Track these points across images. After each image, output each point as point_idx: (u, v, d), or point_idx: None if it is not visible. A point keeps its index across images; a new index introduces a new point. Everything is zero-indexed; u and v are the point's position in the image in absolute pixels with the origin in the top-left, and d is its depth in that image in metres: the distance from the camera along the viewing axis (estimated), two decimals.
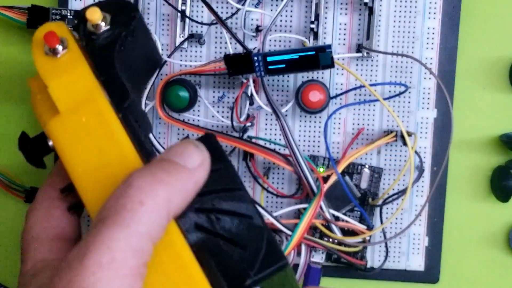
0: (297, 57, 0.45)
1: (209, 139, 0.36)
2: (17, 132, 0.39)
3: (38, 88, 0.37)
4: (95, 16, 0.37)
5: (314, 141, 0.51)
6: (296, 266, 0.51)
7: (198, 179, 0.34)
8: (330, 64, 0.45)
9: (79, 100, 0.35)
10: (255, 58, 0.45)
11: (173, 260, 0.32)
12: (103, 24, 0.38)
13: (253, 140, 0.50)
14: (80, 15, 0.38)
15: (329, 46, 0.45)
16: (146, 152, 0.36)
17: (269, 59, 0.45)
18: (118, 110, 0.36)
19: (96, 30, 0.38)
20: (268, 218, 0.46)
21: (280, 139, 0.50)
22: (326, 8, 0.50)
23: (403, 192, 0.49)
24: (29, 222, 0.38)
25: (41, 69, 0.37)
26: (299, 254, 0.49)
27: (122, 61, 0.37)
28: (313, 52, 0.45)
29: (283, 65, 0.45)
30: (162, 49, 0.50)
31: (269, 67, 0.45)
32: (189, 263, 0.33)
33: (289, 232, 0.46)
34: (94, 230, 0.30)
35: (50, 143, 0.36)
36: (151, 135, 0.47)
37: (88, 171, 0.34)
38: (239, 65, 0.46)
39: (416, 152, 0.49)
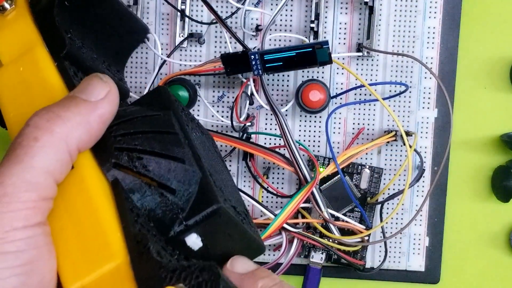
0: (294, 54, 0.45)
1: (158, 91, 0.36)
2: None
3: None
4: None
5: (314, 141, 0.51)
6: (296, 265, 0.51)
7: (102, 111, 0.33)
8: (327, 60, 0.45)
9: (20, 52, 0.36)
10: (252, 56, 0.45)
11: (81, 196, 0.32)
12: None
13: (253, 139, 0.50)
14: None
15: (326, 42, 0.44)
16: None
17: (266, 57, 0.45)
18: (55, 59, 0.36)
19: None
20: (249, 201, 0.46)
21: (279, 133, 0.50)
22: (326, 7, 0.50)
23: (403, 191, 0.49)
24: None
25: None
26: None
27: (69, 15, 0.38)
28: (310, 49, 0.45)
29: (281, 63, 0.45)
30: (162, 49, 0.50)
31: (267, 65, 0.45)
32: (98, 203, 0.32)
33: (271, 215, 0.46)
34: None
35: None
36: None
37: (19, 115, 0.34)
38: (236, 64, 0.45)
39: (416, 152, 0.49)
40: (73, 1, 0.38)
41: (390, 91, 0.50)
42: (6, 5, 0.38)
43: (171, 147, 0.33)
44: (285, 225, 0.47)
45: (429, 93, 0.50)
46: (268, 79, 0.50)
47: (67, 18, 0.37)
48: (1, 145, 0.53)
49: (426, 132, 0.51)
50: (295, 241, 0.49)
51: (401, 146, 0.51)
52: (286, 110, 0.50)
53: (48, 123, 0.31)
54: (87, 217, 0.32)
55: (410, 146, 0.47)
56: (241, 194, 0.47)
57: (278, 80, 0.51)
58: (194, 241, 0.31)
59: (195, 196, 0.32)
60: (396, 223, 0.51)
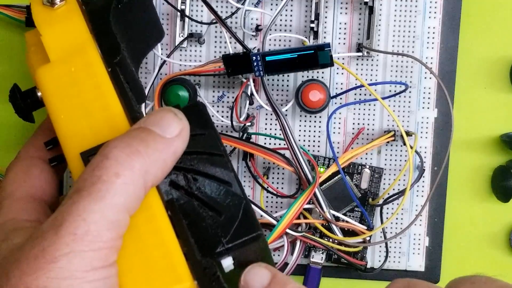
0: (296, 56, 0.45)
1: (197, 107, 0.36)
2: (17, 133, 0.39)
3: (33, 40, 0.37)
4: None
5: (314, 141, 0.51)
6: (296, 265, 0.51)
7: (176, 149, 0.33)
8: (329, 63, 0.45)
9: (70, 50, 0.36)
10: (254, 58, 0.45)
11: (147, 224, 0.32)
12: None
13: (253, 139, 0.50)
14: None
15: (328, 45, 0.45)
16: (133, 110, 0.35)
17: (268, 58, 0.45)
18: (108, 64, 0.36)
19: None
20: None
21: (280, 134, 0.50)
22: (326, 7, 0.50)
23: (403, 192, 0.49)
24: (6, 178, 0.37)
25: (37, 18, 0.37)
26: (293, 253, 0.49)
27: (119, 19, 0.37)
28: (312, 51, 0.45)
29: (282, 65, 0.45)
30: (161, 49, 0.50)
31: (268, 66, 0.45)
32: (163, 228, 0.32)
33: (274, 221, 0.46)
34: (70, 200, 0.30)
35: (39, 94, 0.36)
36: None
37: (71, 120, 0.34)
38: (238, 65, 0.46)
39: (416, 152, 0.49)
40: (125, 4, 0.38)
41: (390, 91, 0.50)
42: (57, 0, 0.37)
43: (221, 170, 0.34)
44: (289, 230, 0.47)
45: (429, 93, 0.50)
46: (268, 79, 0.50)
47: (115, 21, 0.37)
48: (2, 146, 0.53)
49: (426, 132, 0.51)
50: (298, 242, 0.49)
51: (401, 146, 0.51)
52: (286, 110, 0.50)
53: (129, 159, 0.31)
54: (154, 245, 0.32)
55: (411, 147, 0.47)
56: None
57: (278, 80, 0.50)
58: (228, 264, 0.33)
59: (238, 221, 0.33)
60: (396, 223, 0.51)
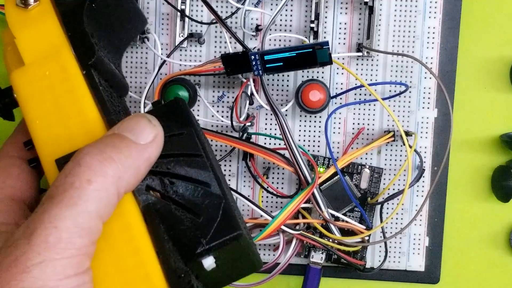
0: (295, 54, 0.45)
1: (177, 104, 0.36)
2: None
3: (10, 39, 0.37)
4: None
5: (314, 141, 0.51)
6: (296, 265, 0.51)
7: (149, 155, 0.33)
8: (328, 61, 0.45)
9: (44, 53, 0.35)
10: (253, 57, 0.45)
11: (122, 232, 0.32)
12: None
13: (253, 139, 0.50)
14: None
15: (326, 43, 0.44)
16: (108, 112, 0.35)
17: (266, 57, 0.45)
18: (83, 67, 0.35)
19: None
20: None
21: (279, 134, 0.50)
22: (326, 7, 0.50)
23: (403, 191, 0.49)
24: None
25: (10, 19, 0.36)
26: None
27: (95, 18, 0.37)
28: (310, 50, 0.45)
29: (281, 63, 0.45)
30: (161, 49, 0.50)
31: (267, 65, 0.45)
32: (138, 237, 0.32)
33: (268, 217, 0.46)
34: (41, 208, 0.30)
35: (15, 95, 0.35)
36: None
37: (46, 126, 0.34)
38: (237, 64, 0.46)
39: (416, 152, 0.49)
40: (99, 3, 0.37)
41: (390, 91, 0.50)
42: (30, 0, 0.36)
43: (199, 171, 0.34)
44: (285, 228, 0.47)
45: (429, 93, 0.50)
46: (268, 79, 0.50)
47: (90, 21, 0.37)
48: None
49: (426, 132, 0.51)
50: (294, 241, 0.49)
51: (401, 146, 0.51)
52: (286, 110, 0.50)
53: (101, 165, 0.31)
54: (128, 253, 0.32)
55: (410, 147, 0.47)
56: (240, 197, 0.47)
57: (278, 80, 0.51)
58: (210, 263, 0.33)
59: (218, 221, 0.33)
60: (396, 223, 0.51)
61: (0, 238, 0.32)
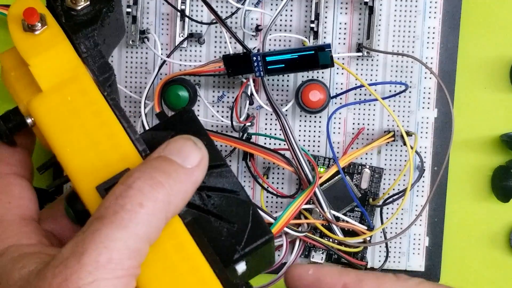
0: (297, 56, 0.45)
1: (187, 114, 0.36)
2: None
3: (12, 65, 0.36)
4: None
5: (314, 141, 0.51)
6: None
7: (197, 179, 0.33)
8: (329, 64, 0.45)
9: (62, 78, 0.35)
10: (254, 58, 0.45)
11: (178, 253, 0.32)
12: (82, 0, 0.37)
13: (253, 139, 0.50)
14: None
15: (328, 45, 0.45)
16: (134, 131, 0.35)
17: (268, 59, 0.45)
18: (103, 88, 0.35)
19: (74, 6, 0.37)
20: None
21: (280, 134, 0.50)
22: (326, 7, 0.50)
23: (403, 192, 0.49)
24: None
25: (20, 46, 0.35)
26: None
27: (102, 37, 0.37)
28: (312, 52, 0.45)
29: (283, 65, 0.45)
30: (162, 49, 0.50)
31: (269, 67, 0.45)
32: (193, 254, 0.32)
33: (271, 220, 0.46)
34: (92, 228, 0.30)
35: (29, 120, 0.35)
36: None
37: (77, 151, 0.34)
38: (238, 65, 0.46)
39: (416, 152, 0.49)
40: (107, 22, 0.37)
41: (390, 91, 0.50)
42: (38, 25, 0.35)
43: (228, 180, 0.35)
44: (288, 229, 0.47)
45: (429, 93, 0.50)
46: (268, 79, 0.50)
47: (100, 39, 0.36)
48: None
49: (426, 132, 0.51)
50: (298, 242, 0.49)
51: (401, 146, 0.51)
52: (286, 110, 0.50)
53: (152, 190, 0.31)
54: (186, 271, 0.32)
55: (411, 147, 0.47)
56: None
57: (278, 80, 0.50)
58: (243, 268, 0.34)
59: (249, 227, 0.34)
60: (396, 223, 0.51)
61: (35, 259, 0.32)
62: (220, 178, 0.35)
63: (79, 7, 0.37)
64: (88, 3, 0.37)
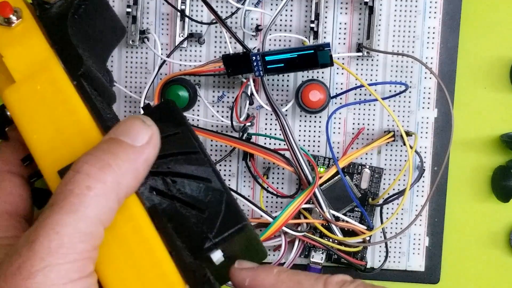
0: (296, 56, 0.45)
1: (167, 105, 0.36)
2: None
3: None
4: None
5: (314, 141, 0.51)
6: (296, 265, 0.51)
7: (148, 156, 0.33)
8: (329, 63, 0.45)
9: (34, 68, 0.35)
10: (254, 57, 0.45)
11: (133, 234, 0.33)
12: None
13: (253, 139, 0.50)
14: None
15: (328, 45, 0.45)
16: (103, 119, 0.35)
17: (267, 58, 0.45)
18: (73, 77, 0.35)
19: None
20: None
21: (280, 134, 0.50)
22: (326, 7, 0.50)
23: (403, 192, 0.49)
24: None
25: None
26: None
27: (78, 29, 0.37)
28: (312, 51, 0.45)
29: (282, 65, 0.45)
30: (162, 49, 0.50)
31: (268, 66, 0.45)
32: (150, 237, 0.33)
33: (269, 218, 0.46)
34: (43, 216, 0.30)
35: (8, 113, 0.36)
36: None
37: (44, 138, 0.34)
38: (238, 65, 0.46)
39: (416, 152, 0.49)
40: (82, 13, 0.38)
41: (390, 91, 0.50)
42: (13, 18, 0.36)
43: (198, 167, 0.35)
44: (287, 229, 0.47)
45: (429, 93, 0.50)
46: (268, 79, 0.50)
47: (74, 32, 0.37)
48: None
49: (426, 132, 0.51)
50: (297, 242, 0.49)
51: (401, 146, 0.51)
52: (286, 110, 0.50)
53: (100, 172, 0.31)
54: (142, 254, 0.32)
55: (411, 147, 0.47)
56: (240, 197, 0.47)
57: (278, 80, 0.50)
58: (219, 257, 0.33)
59: (222, 215, 0.34)
60: (396, 223, 0.51)
61: (2, 251, 0.33)
62: (189, 165, 0.34)
63: (52, 0, 0.37)
64: None
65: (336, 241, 0.49)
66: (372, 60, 0.50)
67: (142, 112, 0.47)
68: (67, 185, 0.31)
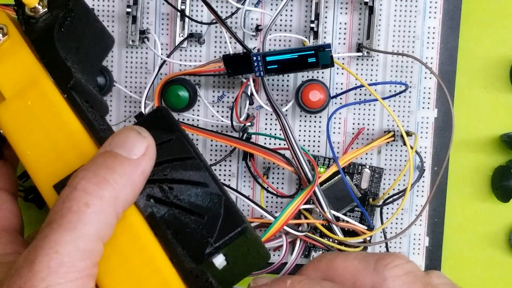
0: (296, 56, 0.45)
1: (160, 112, 0.36)
2: None
3: None
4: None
5: (314, 141, 0.51)
6: (296, 265, 0.51)
7: (144, 169, 0.33)
8: (329, 64, 0.45)
9: (23, 84, 0.35)
10: (254, 58, 0.45)
11: (133, 244, 0.32)
12: (40, 7, 0.37)
13: (253, 139, 0.50)
14: (17, 0, 0.38)
15: (328, 45, 0.45)
16: (96, 131, 0.35)
17: (268, 59, 0.45)
18: (63, 91, 0.35)
19: (34, 14, 0.37)
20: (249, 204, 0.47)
21: (280, 134, 0.50)
22: (326, 7, 0.50)
23: (403, 192, 0.49)
24: None
25: None
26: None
27: (65, 42, 0.37)
28: (312, 52, 0.45)
29: (283, 65, 0.45)
30: (162, 49, 0.50)
31: (268, 67, 0.45)
32: (149, 245, 0.33)
33: (271, 218, 0.46)
34: (41, 234, 0.30)
35: (1, 131, 0.36)
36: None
37: (38, 153, 0.34)
38: (238, 65, 0.46)
39: (416, 152, 0.49)
40: (68, 26, 0.38)
41: (390, 91, 0.50)
42: None
43: (194, 172, 0.34)
44: (288, 229, 0.47)
45: (429, 93, 0.50)
46: (268, 79, 0.50)
47: (62, 45, 0.37)
48: None
49: (426, 132, 0.51)
50: (298, 242, 0.49)
51: (401, 146, 0.51)
52: (286, 110, 0.50)
53: (97, 188, 0.31)
54: (143, 263, 0.32)
55: (411, 147, 0.47)
56: (241, 197, 0.47)
57: (278, 80, 0.50)
58: (221, 261, 0.33)
59: (222, 218, 0.33)
60: (396, 223, 0.51)
61: (2, 269, 0.32)
62: (184, 170, 0.34)
63: (38, 15, 0.37)
64: (46, 9, 0.38)
65: (336, 241, 0.49)
66: (372, 60, 0.50)
67: (150, 108, 0.48)
68: (64, 202, 0.31)
